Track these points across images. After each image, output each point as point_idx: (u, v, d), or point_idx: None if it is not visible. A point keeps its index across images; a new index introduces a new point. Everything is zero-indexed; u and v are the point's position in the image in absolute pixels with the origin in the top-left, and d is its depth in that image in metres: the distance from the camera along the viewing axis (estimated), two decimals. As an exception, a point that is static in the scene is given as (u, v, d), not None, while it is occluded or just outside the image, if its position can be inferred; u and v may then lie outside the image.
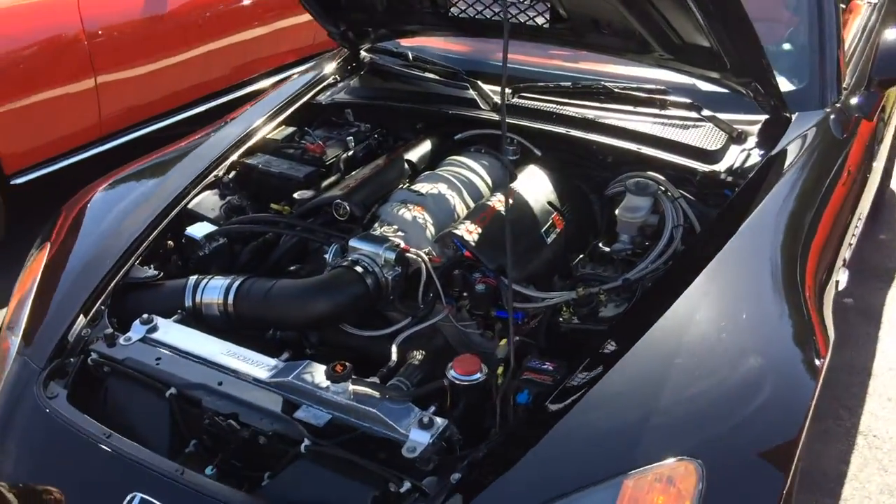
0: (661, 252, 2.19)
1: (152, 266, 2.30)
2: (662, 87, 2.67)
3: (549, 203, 2.38)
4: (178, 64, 4.53)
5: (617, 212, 2.32)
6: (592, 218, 2.50)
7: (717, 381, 1.72)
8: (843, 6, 2.91)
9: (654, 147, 2.47)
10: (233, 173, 2.65)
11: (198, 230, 2.35)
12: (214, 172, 2.60)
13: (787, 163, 2.39)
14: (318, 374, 1.83)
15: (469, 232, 2.14)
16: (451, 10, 2.67)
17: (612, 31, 2.42)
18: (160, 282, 2.24)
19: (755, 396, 1.70)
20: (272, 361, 1.92)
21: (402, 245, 2.17)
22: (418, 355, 1.97)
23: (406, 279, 2.15)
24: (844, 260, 2.39)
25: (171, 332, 2.04)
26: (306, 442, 1.71)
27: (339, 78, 3.15)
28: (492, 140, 2.71)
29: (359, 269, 2.09)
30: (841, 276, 2.31)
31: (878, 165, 3.38)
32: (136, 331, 2.03)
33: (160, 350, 1.97)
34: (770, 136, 2.49)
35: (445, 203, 2.35)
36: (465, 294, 2.13)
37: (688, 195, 2.37)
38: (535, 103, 2.73)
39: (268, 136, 2.82)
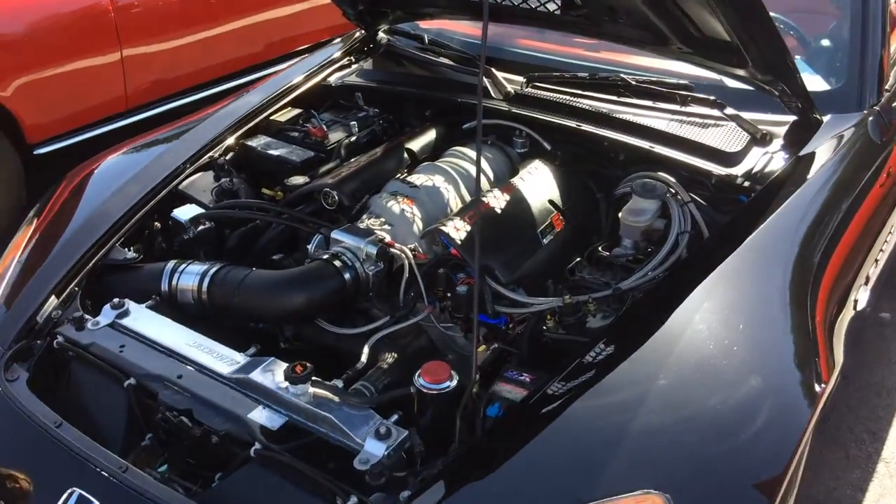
0: (662, 259, 2.04)
1: (134, 248, 2.24)
2: (685, 83, 2.50)
3: (550, 201, 2.24)
4: (208, 39, 4.48)
5: (620, 214, 2.17)
6: (597, 219, 2.36)
7: (700, 409, 1.58)
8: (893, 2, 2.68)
9: (669, 146, 2.31)
10: (230, 155, 2.57)
11: (184, 213, 2.29)
12: (211, 153, 2.52)
13: (813, 168, 2.21)
14: (279, 372, 1.75)
15: (457, 229, 2.02)
16: (468, -9, 2.54)
17: (629, 21, 2.26)
18: (139, 265, 2.17)
19: (740, 427, 1.55)
20: (237, 356, 1.84)
21: (387, 239, 2.06)
22: (389, 358, 1.87)
23: (388, 276, 2.05)
24: (867, 278, 2.20)
25: (141, 318, 1.97)
26: (257, 445, 1.62)
27: (353, 60, 3.05)
28: (501, 131, 2.58)
29: (337, 262, 1.99)
30: (861, 295, 2.12)
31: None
32: (106, 315, 1.97)
33: (126, 337, 1.91)
34: (797, 139, 2.31)
35: (439, 196, 2.23)
36: (448, 294, 2.01)
37: (699, 200, 2.21)
38: (549, 94, 2.59)
39: (272, 118, 2.74)
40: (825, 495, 2.55)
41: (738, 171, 2.22)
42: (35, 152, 3.96)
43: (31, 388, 1.83)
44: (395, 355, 1.88)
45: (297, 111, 2.80)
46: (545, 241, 2.14)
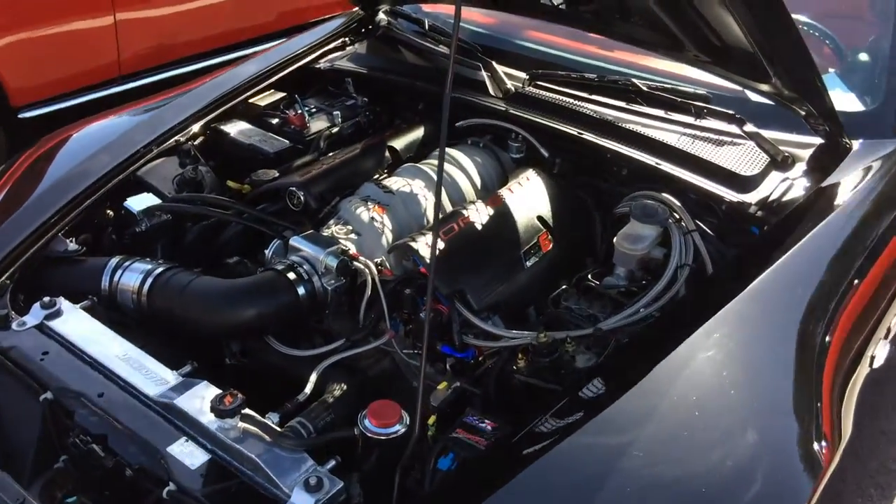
0: (657, 295, 1.82)
1: (81, 238, 2.05)
2: (703, 93, 2.26)
3: (540, 218, 2.02)
4: (210, 6, 4.27)
5: (615, 239, 1.94)
6: (592, 240, 2.13)
7: (679, 476, 1.36)
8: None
9: (678, 163, 2.07)
10: (199, 139, 2.37)
11: (137, 202, 2.08)
12: (179, 136, 2.32)
13: (836, 201, 1.97)
14: (209, 400, 1.54)
15: (429, 245, 1.80)
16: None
17: (642, 22, 2.01)
18: (81, 258, 1.98)
19: (737, 488, 1.34)
20: (168, 374, 1.64)
21: (352, 251, 1.85)
22: (337, 390, 1.66)
23: (349, 292, 1.84)
24: (888, 329, 1.96)
25: (72, 320, 1.78)
26: (171, 486, 1.43)
27: (348, 41, 2.82)
28: (496, 132, 2.35)
29: (291, 274, 1.78)
30: (879, 351, 1.88)
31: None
32: (34, 314, 1.78)
33: (52, 342, 1.72)
34: (822, 165, 2.06)
35: (416, 205, 2.01)
36: (413, 318, 1.80)
37: (705, 228, 1.97)
38: (552, 95, 2.36)
39: (252, 101, 2.53)
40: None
41: (752, 197, 1.98)
42: (20, 116, 3.78)
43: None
44: (345, 387, 1.67)
45: (280, 95, 2.58)
46: (528, 263, 1.92)
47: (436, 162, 2.18)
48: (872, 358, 1.87)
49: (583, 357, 1.69)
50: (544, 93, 2.37)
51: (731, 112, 2.15)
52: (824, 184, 1.99)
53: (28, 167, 2.26)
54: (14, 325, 1.76)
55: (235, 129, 2.39)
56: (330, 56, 2.76)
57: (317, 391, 1.69)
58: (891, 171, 2.07)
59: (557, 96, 2.34)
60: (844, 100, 2.25)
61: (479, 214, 1.94)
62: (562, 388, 1.58)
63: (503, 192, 2.04)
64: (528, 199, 2.05)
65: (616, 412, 1.45)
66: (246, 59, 2.82)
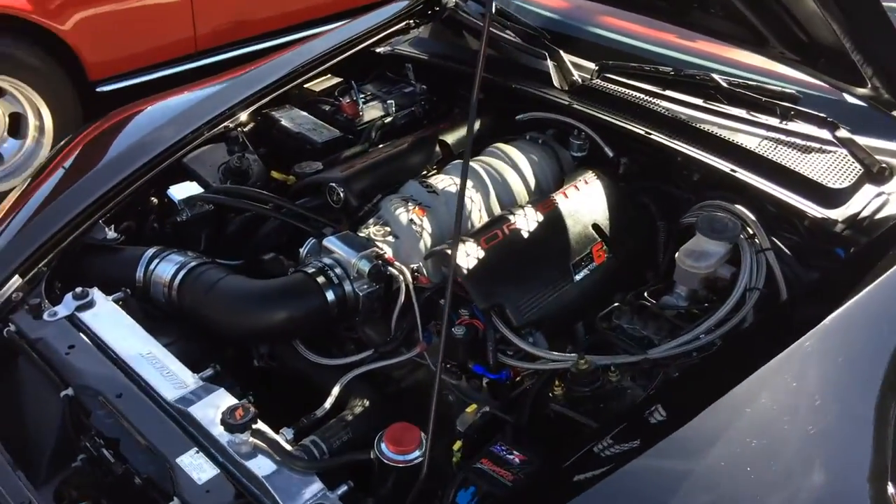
0: (720, 320, 1.63)
1: (124, 226, 2.01)
2: (791, 91, 2.04)
3: (595, 226, 1.85)
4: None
5: (677, 255, 1.76)
6: (654, 251, 1.95)
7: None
8: None
9: (757, 171, 1.86)
10: (250, 126, 2.29)
11: (179, 191, 2.03)
12: (228, 122, 2.25)
13: (941, 224, 1.73)
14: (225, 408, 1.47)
15: (468, 254, 1.67)
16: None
17: (722, 12, 1.81)
18: (120, 246, 1.94)
19: None
20: (189, 377, 1.58)
21: (388, 255, 1.74)
22: (358, 406, 1.56)
23: (383, 299, 1.73)
24: None
25: (103, 313, 1.74)
26: (175, 502, 1.36)
27: (412, 24, 2.69)
28: (558, 127, 2.19)
29: (321, 278, 1.69)
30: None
31: None
32: (66, 305, 1.75)
33: (80, 335, 1.68)
34: (926, 180, 1.82)
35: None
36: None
37: (783, 247, 1.77)
38: (622, 88, 2.17)
39: (307, 86, 2.44)
40: None
41: (839, 214, 1.76)
42: (97, 90, 3.82)
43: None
44: (367, 403, 1.57)
45: (336, 80, 2.49)
46: (578, 276, 1.76)
47: (488, 159, 2.03)
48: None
49: (627, 389, 1.53)
50: (613, 86, 2.18)
51: (821, 115, 1.93)
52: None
53: (81, 149, 2.24)
54: (45, 315, 1.73)
55: (287, 115, 2.31)
56: (392, 40, 2.64)
57: (340, 404, 1.60)
58: None
59: (627, 90, 2.15)
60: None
61: (526, 220, 1.79)
62: (597, 426, 1.43)
63: (557, 196, 1.88)
64: (585, 204, 1.89)
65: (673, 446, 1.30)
66: (309, 40, 2.74)
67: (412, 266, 1.72)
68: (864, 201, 1.79)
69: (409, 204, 1.84)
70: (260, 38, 4.21)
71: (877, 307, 1.56)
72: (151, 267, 1.83)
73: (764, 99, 2.02)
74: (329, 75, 2.51)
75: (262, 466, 1.39)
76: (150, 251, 1.87)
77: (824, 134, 1.93)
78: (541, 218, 1.81)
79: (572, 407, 1.50)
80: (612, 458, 1.33)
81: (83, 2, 3.57)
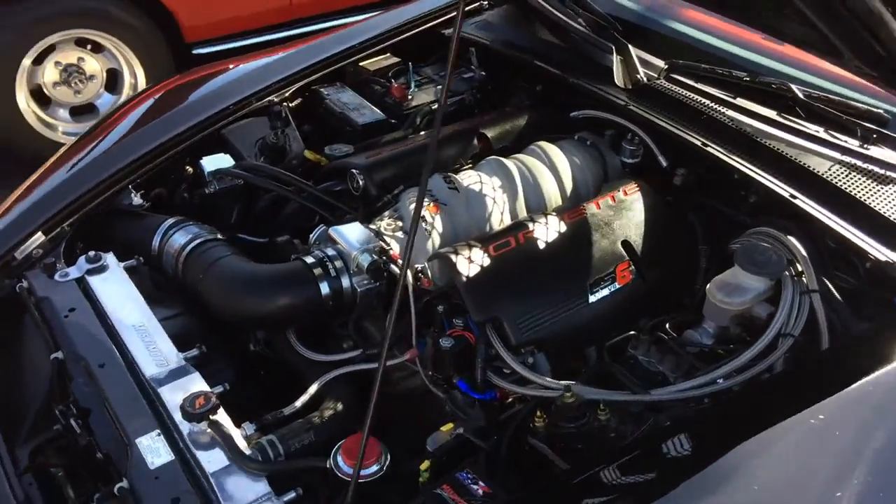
0: (744, 365, 1.45)
1: (152, 193, 2.01)
2: (880, 111, 1.78)
3: (626, 244, 1.69)
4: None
5: (708, 286, 1.57)
6: (691, 276, 1.76)
7: None
8: None
9: (821, 200, 1.64)
10: (298, 101, 2.25)
11: (210, 162, 2.01)
12: (273, 95, 2.21)
13: None
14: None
15: (471, 261, 1.55)
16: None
17: (796, 18, 1.58)
18: (144, 213, 1.94)
19: None
20: (173, 356, 1.55)
21: (394, 251, 1.65)
22: (328, 410, 1.48)
23: (382, 297, 1.64)
24: None
25: (111, 280, 1.74)
26: (123, 483, 1.33)
27: (485, 5, 2.56)
28: (612, 129, 2.01)
29: (318, 269, 1.61)
30: None
31: None
32: (78, 267, 1.76)
33: (84, 299, 1.69)
34: None
35: (481, 206, 1.76)
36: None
37: (833, 290, 1.55)
38: (687, 92, 1.96)
39: (363, 64, 2.37)
40: None
41: (908, 258, 1.53)
42: (193, 52, 3.90)
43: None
44: (340, 407, 1.48)
45: (394, 60, 2.40)
46: (595, 296, 1.61)
47: (526, 158, 1.89)
48: None
49: (612, 432, 1.37)
50: (678, 88, 1.98)
51: (908, 141, 1.67)
52: None
53: (129, 111, 2.26)
54: (57, 276, 1.75)
55: (335, 93, 2.25)
56: (466, 20, 2.52)
57: (317, 403, 1.53)
58: None
59: (693, 94, 1.95)
60: None
61: (546, 229, 1.65)
62: (570, 469, 1.29)
63: (589, 205, 1.73)
64: (618, 217, 1.72)
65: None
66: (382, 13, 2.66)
67: (416, 266, 1.62)
68: (941, 246, 1.54)
69: (426, 199, 1.73)
70: (353, 10, 4.17)
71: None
72: (167, 237, 1.82)
73: (845, 117, 1.78)
74: (388, 54, 2.42)
75: (212, 461, 1.34)
76: (170, 221, 1.86)
77: (910, 163, 1.68)
78: (563, 228, 1.66)
79: (551, 443, 1.36)
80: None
81: (182, -35, 3.65)
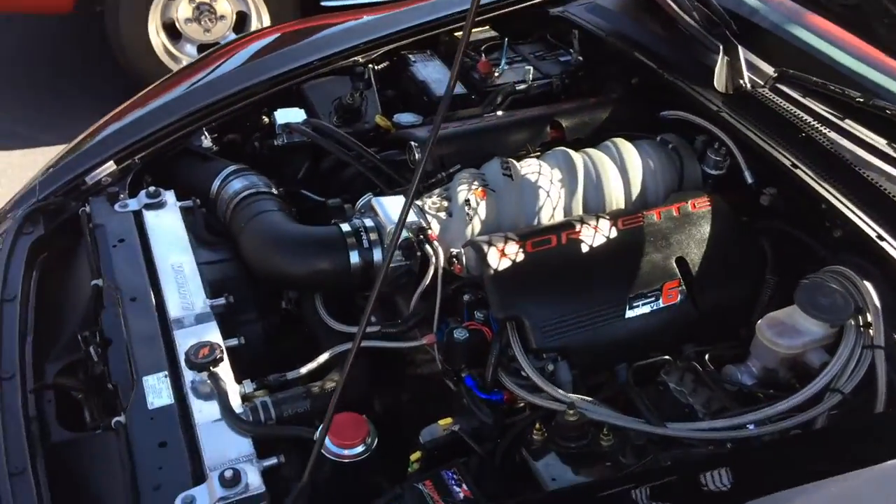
0: (781, 413, 1.31)
1: (225, 137, 2.04)
2: None
3: (680, 261, 1.55)
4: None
5: (759, 322, 1.43)
6: (751, 307, 1.60)
7: None
8: None
9: (913, 245, 1.45)
10: (385, 64, 2.21)
11: (283, 115, 2.01)
12: (360, 56, 2.18)
13: None
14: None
15: (502, 254, 1.47)
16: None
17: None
18: (212, 156, 1.97)
19: None
20: (200, 301, 1.56)
21: (432, 232, 1.59)
22: (331, 382, 1.45)
23: (413, 276, 1.59)
24: None
25: (165, 216, 1.78)
26: (121, 418, 1.36)
27: (597, -14, 2.42)
28: (701, 135, 1.86)
29: (352, 238, 1.58)
30: None
31: None
32: (138, 200, 1.82)
33: (133, 231, 1.74)
34: None
35: (533, 198, 1.66)
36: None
37: (902, 349, 1.36)
38: (790, 106, 1.78)
39: (458, 33, 2.29)
40: None
41: None
42: (321, 3, 3.95)
43: (35, 247, 1.75)
44: (335, 381, 1.45)
45: (492, 34, 2.31)
46: (633, 311, 1.49)
47: (594, 154, 1.77)
48: None
49: (608, 462, 1.27)
50: (781, 100, 1.79)
51: None
52: None
53: (225, 55, 2.30)
54: (117, 206, 1.81)
55: (422, 61, 2.20)
56: (576, 0, 2.40)
57: (323, 373, 1.50)
58: None
59: (796, 109, 1.76)
60: None
61: (594, 233, 1.54)
62: (549, 496, 1.21)
63: (649, 213, 1.60)
64: (679, 231, 1.59)
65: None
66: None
67: (451, 251, 1.55)
68: None
69: (476, 183, 1.65)
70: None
71: None
72: (226, 182, 1.84)
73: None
74: (487, 27, 2.34)
75: (204, 412, 1.35)
76: (232, 167, 1.88)
77: None
78: (614, 234, 1.55)
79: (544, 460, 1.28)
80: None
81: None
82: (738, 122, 1.76)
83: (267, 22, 3.88)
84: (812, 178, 1.60)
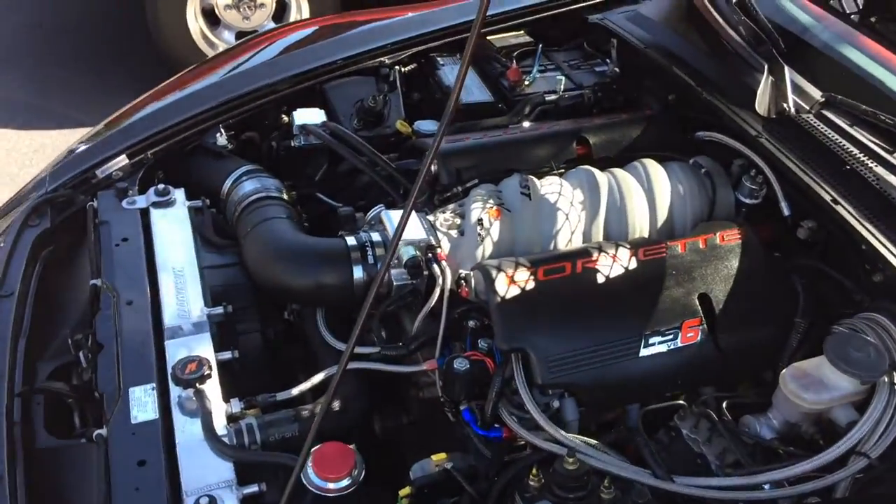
0: (797, 476, 1.21)
1: (242, 135, 1.99)
2: None
3: (703, 297, 1.45)
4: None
5: (783, 373, 1.32)
6: (775, 350, 1.49)
7: None
8: None
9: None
10: (412, 66, 2.14)
11: (302, 115, 1.94)
12: (386, 57, 2.11)
13: None
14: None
15: (511, 281, 1.39)
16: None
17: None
18: (226, 154, 1.91)
19: None
20: (197, 309, 1.51)
21: (441, 251, 1.51)
22: (321, 405, 1.38)
23: (417, 296, 1.51)
24: None
25: (172, 216, 1.73)
26: (103, 431, 1.31)
27: (643, -6, 2.31)
28: (737, 159, 1.75)
29: (357, 253, 1.51)
30: None
31: None
32: (146, 197, 1.77)
33: (138, 230, 1.69)
34: None
35: (550, 220, 1.57)
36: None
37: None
38: (836, 136, 1.65)
39: (492, 38, 2.20)
40: None
41: None
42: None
43: (40, 241, 1.71)
44: (337, 405, 1.39)
45: (526, 39, 2.22)
46: (648, 350, 1.39)
47: (620, 175, 1.66)
48: None
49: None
50: (826, 128, 1.67)
51: None
52: None
53: (249, 49, 2.24)
54: (125, 202, 1.77)
55: (450, 64, 2.11)
56: (617, 7, 2.29)
57: (316, 395, 1.44)
58: None
59: (841, 139, 1.64)
60: None
61: (612, 262, 1.44)
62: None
63: (673, 244, 1.50)
64: (704, 266, 1.48)
65: None
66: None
67: (460, 272, 1.47)
68: None
69: (491, 201, 1.57)
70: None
71: None
72: (237, 183, 1.79)
73: None
74: (522, 32, 2.24)
75: (187, 431, 1.30)
76: (245, 168, 1.82)
77: None
78: (633, 265, 1.45)
79: (540, 507, 1.20)
80: None
81: None
82: (778, 149, 1.65)
83: (306, 12, 3.83)
84: (853, 216, 1.48)
